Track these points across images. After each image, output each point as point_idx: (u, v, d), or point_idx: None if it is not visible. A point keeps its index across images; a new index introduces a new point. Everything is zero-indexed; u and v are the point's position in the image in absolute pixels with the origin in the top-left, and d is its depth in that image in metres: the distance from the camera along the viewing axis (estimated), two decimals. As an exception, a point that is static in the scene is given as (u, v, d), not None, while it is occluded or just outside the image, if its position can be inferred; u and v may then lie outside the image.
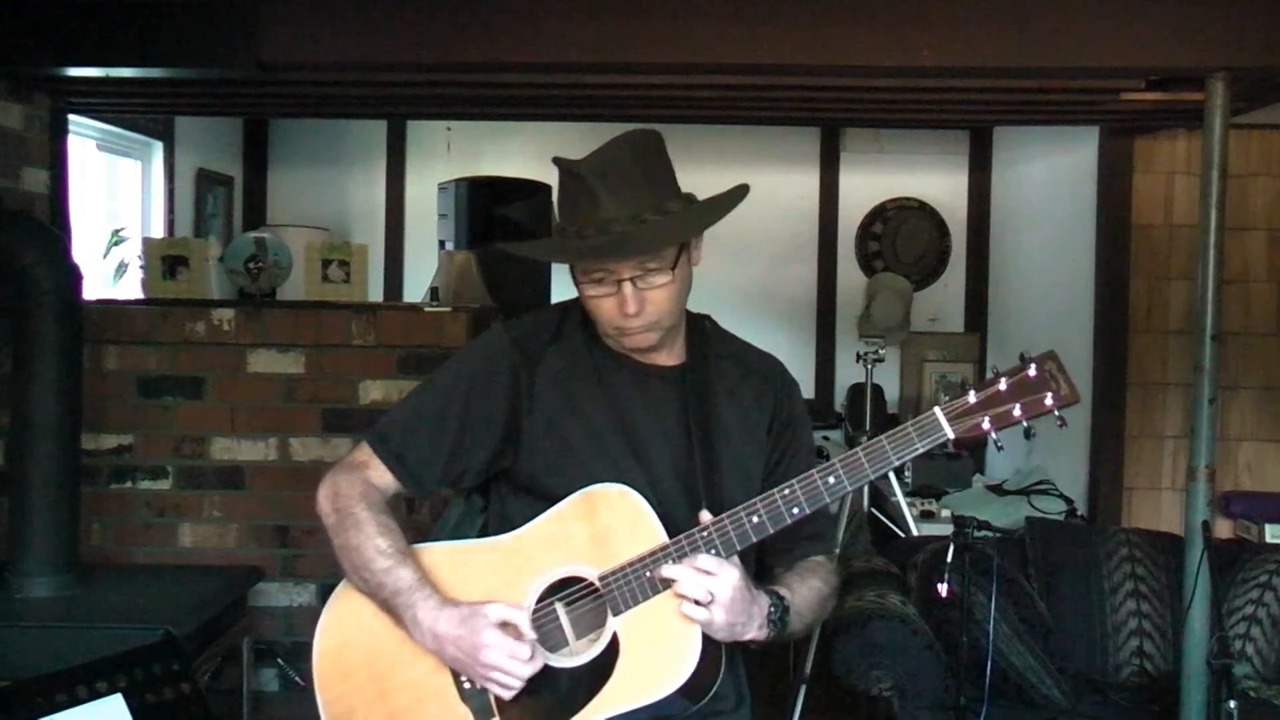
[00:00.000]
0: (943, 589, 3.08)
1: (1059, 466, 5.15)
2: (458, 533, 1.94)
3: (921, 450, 1.70)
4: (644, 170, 1.74)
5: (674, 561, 1.70)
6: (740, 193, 1.80)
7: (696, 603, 1.68)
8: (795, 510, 1.71)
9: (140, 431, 3.76)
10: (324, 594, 3.67)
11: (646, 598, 1.72)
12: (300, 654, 3.70)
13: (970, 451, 5.38)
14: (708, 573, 1.68)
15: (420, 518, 3.29)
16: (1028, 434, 1.72)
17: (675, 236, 1.74)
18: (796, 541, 1.86)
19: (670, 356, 1.86)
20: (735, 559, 1.72)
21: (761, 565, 1.88)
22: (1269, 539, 4.63)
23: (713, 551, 1.71)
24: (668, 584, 1.70)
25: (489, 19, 3.19)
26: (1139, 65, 3.27)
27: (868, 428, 4.87)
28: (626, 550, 1.73)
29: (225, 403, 3.76)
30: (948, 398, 1.70)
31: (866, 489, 4.86)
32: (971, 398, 1.69)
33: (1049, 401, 1.68)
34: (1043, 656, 3.44)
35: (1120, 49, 3.17)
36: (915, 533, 4.50)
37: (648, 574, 1.71)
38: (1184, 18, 3.12)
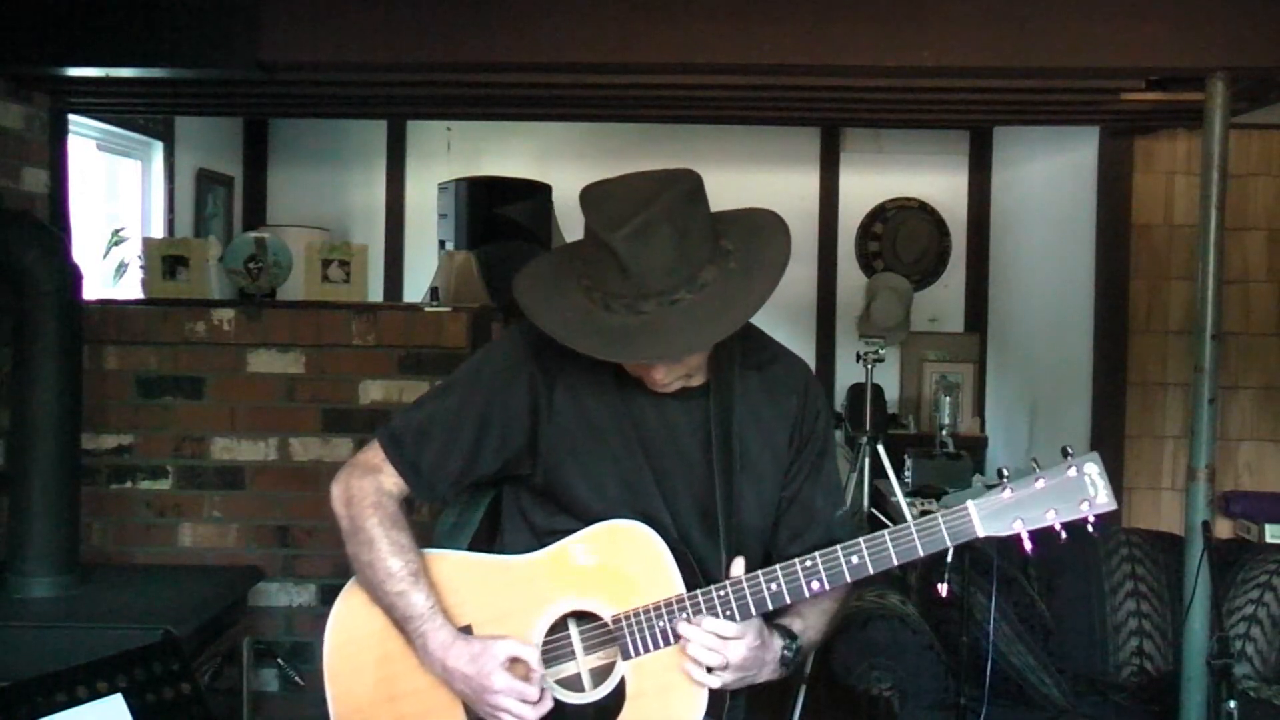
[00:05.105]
0: (943, 589, 3.08)
1: (1059, 466, 5.13)
2: (462, 520, 1.93)
3: (949, 546, 1.68)
4: (679, 236, 1.60)
5: (689, 619, 1.69)
6: (780, 259, 1.67)
7: (709, 668, 1.68)
8: (815, 584, 1.69)
9: (140, 431, 3.76)
10: (324, 594, 3.70)
11: (657, 647, 1.71)
12: (300, 654, 3.70)
13: (969, 450, 5.39)
14: (724, 638, 1.68)
15: (420, 518, 3.29)
16: (1060, 538, 1.68)
17: (703, 342, 1.66)
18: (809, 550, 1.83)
19: (693, 378, 1.80)
20: (752, 619, 1.71)
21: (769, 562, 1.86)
22: (1269, 539, 4.63)
23: (728, 613, 1.69)
24: (680, 637, 1.70)
25: (489, 19, 3.19)
26: (1139, 65, 3.27)
27: (868, 428, 4.87)
28: (642, 593, 1.73)
29: (225, 403, 3.76)
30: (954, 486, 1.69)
31: (866, 487, 4.86)
32: (1007, 494, 1.67)
33: (1084, 508, 1.66)
34: (1043, 656, 3.44)
35: (1120, 49, 3.16)
36: (915, 533, 4.49)
37: (661, 624, 1.71)
38: (1184, 18, 3.12)
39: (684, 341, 1.63)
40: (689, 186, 1.64)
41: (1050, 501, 1.66)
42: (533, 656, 1.72)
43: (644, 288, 1.61)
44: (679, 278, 1.61)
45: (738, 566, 1.72)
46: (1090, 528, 1.68)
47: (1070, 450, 1.68)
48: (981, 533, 1.66)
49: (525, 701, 1.70)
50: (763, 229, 1.73)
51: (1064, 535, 1.67)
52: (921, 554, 1.68)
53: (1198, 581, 3.18)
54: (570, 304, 1.67)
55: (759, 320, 1.85)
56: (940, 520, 1.67)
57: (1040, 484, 1.66)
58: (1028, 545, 1.68)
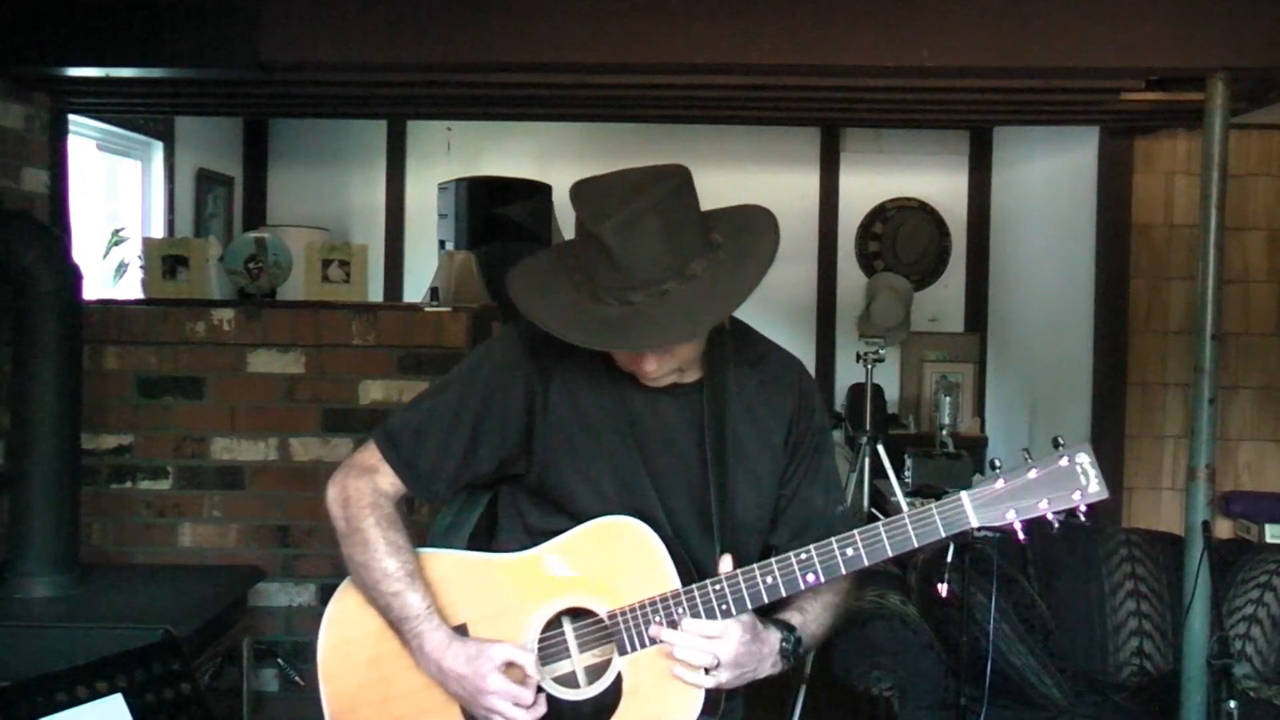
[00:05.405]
0: (943, 589, 3.08)
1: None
2: (459, 520, 1.93)
3: (944, 536, 1.68)
4: (667, 228, 1.61)
5: (684, 612, 1.69)
6: (768, 250, 1.68)
7: (705, 669, 1.68)
8: (810, 577, 1.69)
9: (140, 431, 3.76)
10: (324, 594, 3.70)
11: (654, 642, 1.71)
12: (300, 654, 3.70)
13: (969, 450, 5.39)
14: (708, 637, 1.68)
15: (419, 518, 3.29)
16: (1052, 527, 1.69)
17: (693, 329, 1.66)
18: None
19: (686, 374, 1.80)
20: (739, 616, 1.71)
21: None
22: (1269, 539, 4.64)
23: (724, 608, 1.69)
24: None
25: (489, 19, 3.19)
26: (1139, 65, 3.27)
27: (868, 428, 4.87)
28: (637, 589, 1.72)
29: (225, 403, 3.76)
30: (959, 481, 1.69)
31: (866, 487, 4.86)
32: (1000, 484, 1.67)
33: (1076, 497, 1.67)
34: (1043, 656, 3.43)
35: (1120, 49, 3.16)
36: (915, 533, 4.49)
37: (657, 619, 1.71)
38: (1184, 18, 3.12)
39: (674, 329, 1.63)
40: (678, 180, 1.65)
41: (1043, 491, 1.67)
42: (529, 661, 1.72)
43: (633, 278, 1.61)
44: (668, 269, 1.62)
45: (725, 564, 1.72)
46: (1082, 517, 1.69)
47: (1062, 441, 1.69)
48: (975, 522, 1.67)
49: (519, 704, 1.70)
50: (753, 223, 1.74)
51: (1057, 525, 1.68)
52: (916, 544, 1.68)
53: (1198, 581, 3.18)
54: (561, 298, 1.68)
55: (758, 320, 1.84)
56: (934, 511, 1.68)
57: (1033, 474, 1.68)
58: (1021, 534, 1.69)
